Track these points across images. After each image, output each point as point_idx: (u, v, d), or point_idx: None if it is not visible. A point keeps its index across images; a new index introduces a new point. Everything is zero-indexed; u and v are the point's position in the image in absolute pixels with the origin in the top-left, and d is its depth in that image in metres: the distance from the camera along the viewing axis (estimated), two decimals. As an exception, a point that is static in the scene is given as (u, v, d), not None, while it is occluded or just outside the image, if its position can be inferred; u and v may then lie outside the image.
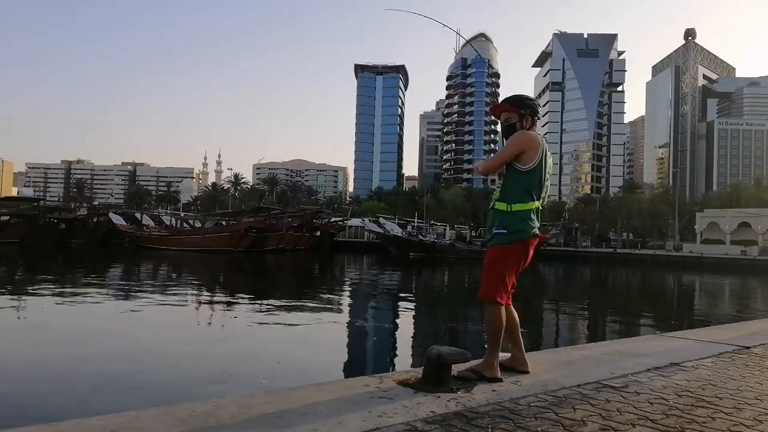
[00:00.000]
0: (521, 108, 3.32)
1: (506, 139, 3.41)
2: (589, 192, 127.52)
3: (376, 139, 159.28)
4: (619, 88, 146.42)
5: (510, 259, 3.18)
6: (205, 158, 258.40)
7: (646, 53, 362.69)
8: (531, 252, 3.26)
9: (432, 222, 74.17)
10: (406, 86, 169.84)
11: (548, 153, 3.31)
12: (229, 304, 16.38)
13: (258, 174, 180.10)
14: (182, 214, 73.74)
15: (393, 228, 61.86)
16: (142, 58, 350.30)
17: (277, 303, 16.65)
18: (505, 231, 3.16)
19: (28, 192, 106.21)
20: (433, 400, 2.66)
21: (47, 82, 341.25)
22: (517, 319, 3.32)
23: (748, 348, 4.56)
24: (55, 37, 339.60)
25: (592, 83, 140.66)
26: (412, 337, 12.08)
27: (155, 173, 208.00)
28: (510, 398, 2.75)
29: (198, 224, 58.85)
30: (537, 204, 3.24)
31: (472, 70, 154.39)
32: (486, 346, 3.22)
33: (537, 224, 3.25)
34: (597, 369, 3.51)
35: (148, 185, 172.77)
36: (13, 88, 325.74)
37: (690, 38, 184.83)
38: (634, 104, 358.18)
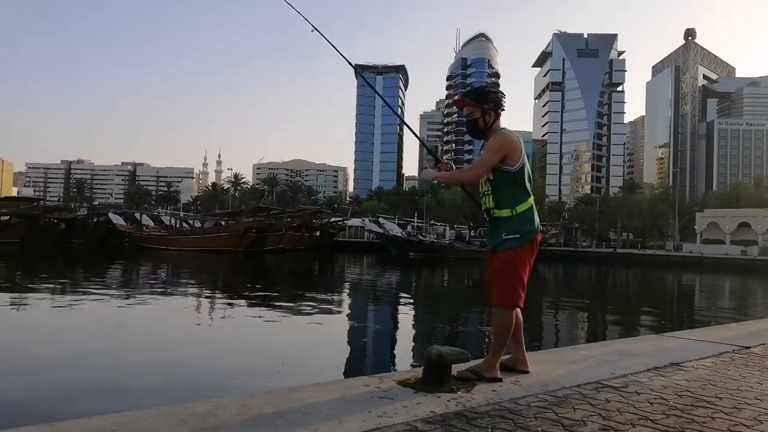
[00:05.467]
0: (484, 102, 3.23)
1: (470, 134, 3.37)
2: (589, 192, 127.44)
3: (376, 139, 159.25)
4: (619, 88, 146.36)
5: (525, 261, 3.18)
6: (205, 158, 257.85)
7: (646, 53, 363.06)
8: (537, 248, 3.27)
9: (432, 222, 74.17)
10: (406, 86, 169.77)
11: (524, 147, 3.31)
12: (229, 304, 16.38)
13: (258, 174, 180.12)
14: (182, 214, 73.76)
15: (393, 228, 61.87)
16: (142, 58, 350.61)
17: (278, 303, 16.64)
18: (518, 235, 3.13)
19: (28, 192, 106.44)
20: (433, 400, 2.66)
21: (47, 82, 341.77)
22: (521, 318, 3.32)
23: (748, 348, 4.56)
24: (55, 36, 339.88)
25: (592, 83, 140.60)
26: (412, 337, 12.07)
27: (155, 173, 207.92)
28: (510, 398, 2.75)
29: (198, 224, 58.87)
30: (533, 198, 3.27)
31: (472, 70, 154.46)
32: (491, 346, 3.21)
33: (538, 219, 3.27)
34: (597, 369, 3.51)
35: (148, 185, 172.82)
36: (14, 88, 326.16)
37: (690, 38, 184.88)
38: (634, 104, 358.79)
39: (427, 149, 4.53)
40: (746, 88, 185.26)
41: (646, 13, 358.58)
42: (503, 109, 3.30)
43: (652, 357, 3.97)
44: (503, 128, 3.26)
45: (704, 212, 70.78)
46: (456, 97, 3.42)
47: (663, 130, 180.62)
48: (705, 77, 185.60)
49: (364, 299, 20.09)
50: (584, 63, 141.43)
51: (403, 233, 60.93)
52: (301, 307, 15.48)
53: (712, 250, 57.63)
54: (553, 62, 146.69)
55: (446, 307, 18.56)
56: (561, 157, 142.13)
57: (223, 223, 58.53)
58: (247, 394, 2.73)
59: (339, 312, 16.02)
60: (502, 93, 3.30)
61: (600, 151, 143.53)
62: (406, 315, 16.30)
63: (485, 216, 3.31)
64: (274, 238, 51.33)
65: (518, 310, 3.29)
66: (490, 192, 3.22)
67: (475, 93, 3.31)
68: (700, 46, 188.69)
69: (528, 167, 3.26)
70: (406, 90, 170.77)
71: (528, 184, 3.24)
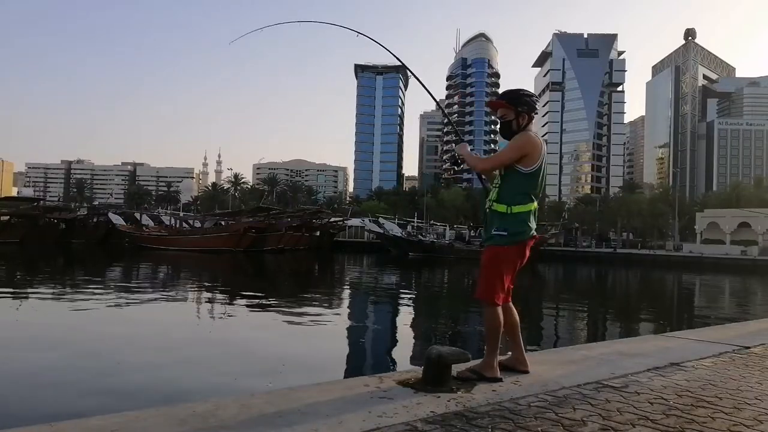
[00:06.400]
0: (518, 105, 3.27)
1: (502, 136, 3.38)
2: (589, 192, 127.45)
3: (376, 139, 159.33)
4: (619, 88, 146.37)
5: (507, 260, 3.18)
6: (205, 158, 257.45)
7: (646, 53, 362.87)
8: (528, 253, 3.26)
9: (432, 222, 74.16)
10: (406, 86, 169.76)
11: (545, 152, 3.30)
12: (229, 304, 16.38)
13: (258, 174, 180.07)
14: (182, 214, 73.74)
15: (392, 228, 61.86)
16: (142, 57, 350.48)
17: (278, 303, 16.65)
18: (506, 233, 3.15)
19: (28, 192, 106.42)
20: (433, 400, 2.66)
21: (47, 82, 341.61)
22: (518, 318, 3.32)
23: (748, 348, 4.56)
24: (55, 36, 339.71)
25: (592, 83, 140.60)
26: (412, 337, 12.08)
27: (155, 173, 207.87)
28: (510, 398, 2.75)
29: (198, 224, 58.87)
30: (535, 205, 3.24)
31: (472, 70, 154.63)
32: (485, 346, 3.22)
33: (534, 225, 3.25)
34: (597, 369, 3.51)
35: (148, 185, 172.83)
36: (14, 88, 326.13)
37: (690, 38, 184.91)
38: (634, 104, 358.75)
39: (455, 130, 4.35)
40: (746, 88, 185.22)
41: (646, 13, 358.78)
42: (536, 113, 3.36)
43: (652, 357, 3.97)
44: (530, 130, 3.30)
45: (704, 212, 70.72)
46: (491, 99, 3.45)
47: (663, 130, 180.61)
48: (705, 77, 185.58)
49: (364, 299, 20.09)
50: (584, 63, 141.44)
51: (403, 233, 60.91)
52: (301, 307, 15.49)
53: (712, 250, 57.58)
54: (553, 62, 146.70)
55: (446, 307, 18.56)
56: (561, 157, 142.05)
57: (223, 223, 58.52)
58: (247, 394, 2.73)
59: (339, 312, 16.01)
60: (537, 97, 3.36)
61: (600, 151, 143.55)
62: (406, 315, 16.30)
63: (486, 208, 3.32)
64: (274, 238, 51.32)
65: (513, 309, 3.29)
66: (497, 186, 3.27)
67: (509, 95, 3.34)
68: (700, 46, 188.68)
69: (544, 172, 3.27)
70: (406, 90, 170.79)
71: (535, 190, 3.23)
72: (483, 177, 3.54)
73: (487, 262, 3.19)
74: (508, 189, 3.20)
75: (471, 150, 3.45)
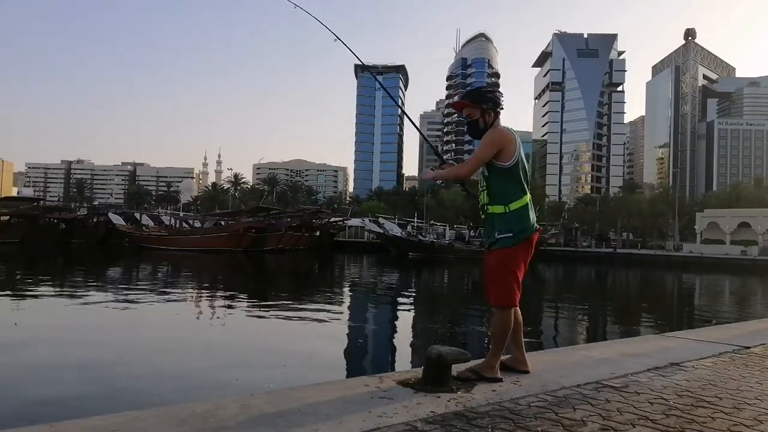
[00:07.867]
0: (482, 103, 3.24)
1: (470, 136, 3.35)
2: (589, 192, 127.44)
3: (376, 139, 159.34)
4: (619, 88, 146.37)
5: (519, 260, 3.15)
6: (205, 158, 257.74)
7: (646, 53, 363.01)
8: (533, 247, 3.23)
9: (432, 222, 74.15)
10: (406, 86, 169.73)
11: (520, 144, 3.26)
12: (229, 305, 16.37)
13: (258, 174, 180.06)
14: (182, 214, 73.72)
15: (392, 228, 61.84)
16: (142, 58, 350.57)
17: (278, 304, 16.64)
18: (511, 234, 3.11)
19: (28, 192, 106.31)
20: (433, 400, 2.66)
21: (47, 82, 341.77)
22: (521, 318, 3.31)
23: (748, 348, 4.56)
24: (55, 36, 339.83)
25: (592, 83, 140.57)
26: (412, 337, 12.08)
27: (155, 173, 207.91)
28: (510, 398, 2.75)
29: (198, 224, 58.87)
30: (529, 196, 3.22)
31: (472, 70, 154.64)
32: (490, 346, 3.21)
33: (534, 216, 3.24)
34: (597, 369, 3.51)
35: (148, 185, 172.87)
36: (14, 88, 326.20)
37: (690, 38, 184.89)
38: (634, 104, 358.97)
39: (436, 153, 4.59)
40: (746, 88, 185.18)
41: (646, 13, 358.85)
42: (502, 108, 3.29)
43: (652, 357, 3.97)
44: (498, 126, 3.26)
45: (704, 212, 70.72)
46: (455, 99, 3.44)
47: (663, 130, 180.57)
48: (705, 77, 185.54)
49: (364, 299, 20.08)
50: (584, 63, 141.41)
51: (403, 233, 60.88)
52: (301, 308, 15.49)
53: (712, 250, 57.59)
54: (553, 62, 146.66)
55: (446, 307, 18.55)
56: (561, 157, 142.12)
57: (223, 223, 58.50)
58: (247, 394, 2.73)
59: (339, 312, 16.01)
60: (500, 92, 3.31)
61: (600, 151, 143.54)
62: (406, 315, 16.30)
63: (481, 213, 3.30)
64: (274, 238, 51.32)
65: (518, 309, 3.28)
66: (485, 188, 3.23)
67: (472, 94, 3.32)
68: (700, 46, 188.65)
69: (524, 163, 3.23)
70: (406, 90, 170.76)
71: (523, 181, 3.20)
72: (464, 183, 3.53)
73: (498, 266, 3.13)
74: (498, 188, 3.18)
75: (440, 166, 3.43)
